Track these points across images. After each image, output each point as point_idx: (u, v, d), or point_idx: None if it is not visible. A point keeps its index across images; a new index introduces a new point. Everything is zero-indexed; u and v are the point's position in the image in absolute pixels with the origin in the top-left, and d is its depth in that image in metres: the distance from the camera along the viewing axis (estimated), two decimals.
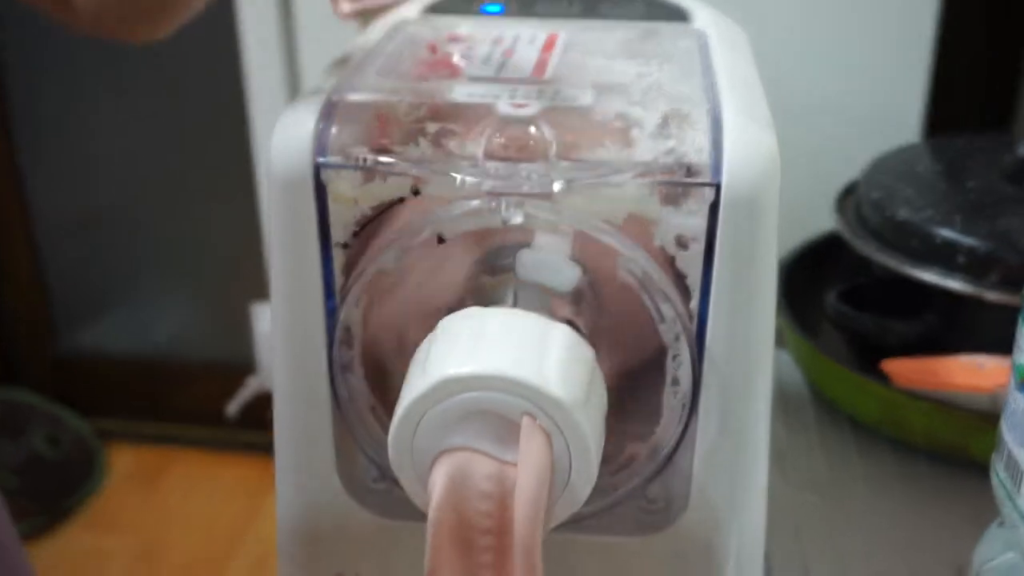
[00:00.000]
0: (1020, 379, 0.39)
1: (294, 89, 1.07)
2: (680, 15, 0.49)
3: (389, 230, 0.38)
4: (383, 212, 0.38)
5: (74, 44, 1.42)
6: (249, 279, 1.42)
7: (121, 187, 1.59)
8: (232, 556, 1.46)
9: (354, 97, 0.39)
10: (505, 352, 0.33)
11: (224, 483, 1.58)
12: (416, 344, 0.36)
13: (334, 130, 0.37)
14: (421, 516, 0.34)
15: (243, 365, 1.43)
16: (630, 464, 0.39)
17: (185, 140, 1.54)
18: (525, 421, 0.33)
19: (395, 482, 0.35)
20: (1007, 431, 0.40)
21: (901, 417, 0.58)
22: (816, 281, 0.68)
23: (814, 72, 0.85)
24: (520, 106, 0.38)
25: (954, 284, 0.59)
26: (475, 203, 0.36)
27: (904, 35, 0.83)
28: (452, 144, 0.37)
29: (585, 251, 0.37)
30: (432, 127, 0.37)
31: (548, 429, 0.33)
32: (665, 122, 0.37)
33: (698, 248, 0.37)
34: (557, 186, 0.36)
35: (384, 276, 0.38)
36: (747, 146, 0.36)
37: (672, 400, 0.38)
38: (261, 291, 1.32)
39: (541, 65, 0.42)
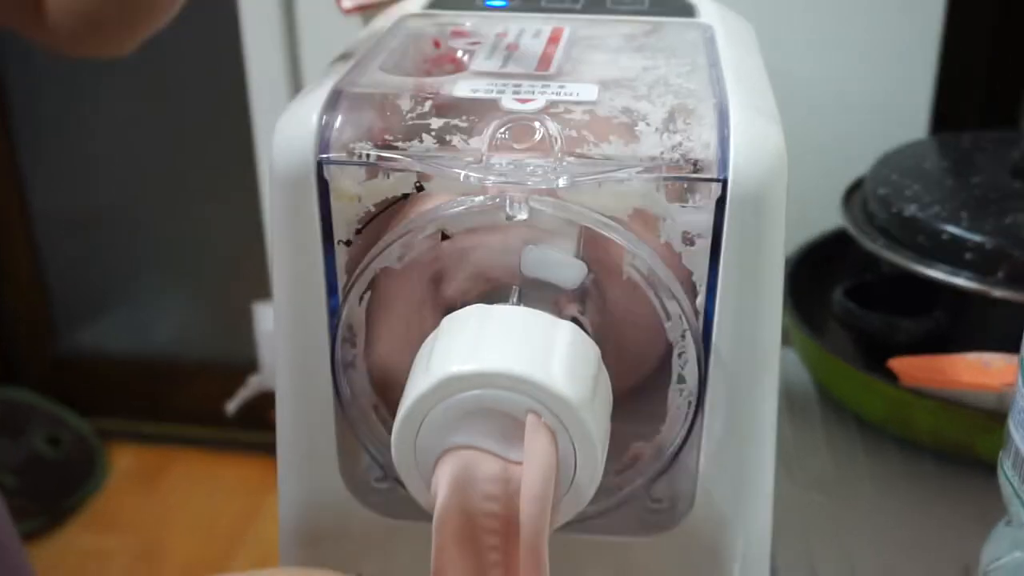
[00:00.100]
0: None
1: (296, 86, 1.07)
2: (686, 9, 0.49)
3: (392, 227, 0.37)
4: (386, 209, 0.37)
5: None
6: (250, 278, 1.41)
7: (121, 186, 1.59)
8: (233, 556, 1.46)
9: (357, 93, 0.39)
10: (509, 349, 0.33)
11: (225, 483, 1.58)
12: (419, 342, 0.36)
13: (337, 126, 0.37)
14: (425, 516, 0.34)
15: (244, 365, 1.42)
16: (635, 463, 0.39)
17: (186, 138, 1.53)
18: (530, 419, 0.32)
19: (398, 481, 0.35)
20: (1014, 429, 0.40)
21: (908, 416, 0.58)
22: (822, 278, 0.68)
23: (821, 67, 0.84)
24: (525, 101, 0.37)
25: (961, 281, 0.59)
26: (479, 199, 0.36)
27: (911, 30, 0.83)
28: (456, 140, 0.37)
29: (590, 247, 0.37)
30: (436, 123, 0.37)
31: (553, 427, 0.32)
32: (671, 117, 0.37)
33: (704, 244, 0.36)
34: (562, 182, 0.36)
35: (387, 273, 0.38)
36: (754, 141, 0.36)
37: (678, 398, 0.38)
38: (262, 290, 1.32)
39: (546, 59, 0.42)
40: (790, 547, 0.53)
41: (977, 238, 0.58)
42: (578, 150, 0.36)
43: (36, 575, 0.61)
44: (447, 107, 0.38)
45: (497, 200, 0.36)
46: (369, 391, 0.39)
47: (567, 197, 0.36)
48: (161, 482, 1.60)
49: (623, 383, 0.38)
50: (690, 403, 0.38)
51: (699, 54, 0.43)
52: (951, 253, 0.59)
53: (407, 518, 0.40)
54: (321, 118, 0.37)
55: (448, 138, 0.37)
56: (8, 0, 0.51)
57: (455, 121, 0.37)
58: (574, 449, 0.33)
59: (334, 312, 0.38)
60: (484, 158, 0.36)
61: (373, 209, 0.37)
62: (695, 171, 0.36)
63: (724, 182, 0.35)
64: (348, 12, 0.52)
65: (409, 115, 0.37)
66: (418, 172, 0.36)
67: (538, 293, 0.37)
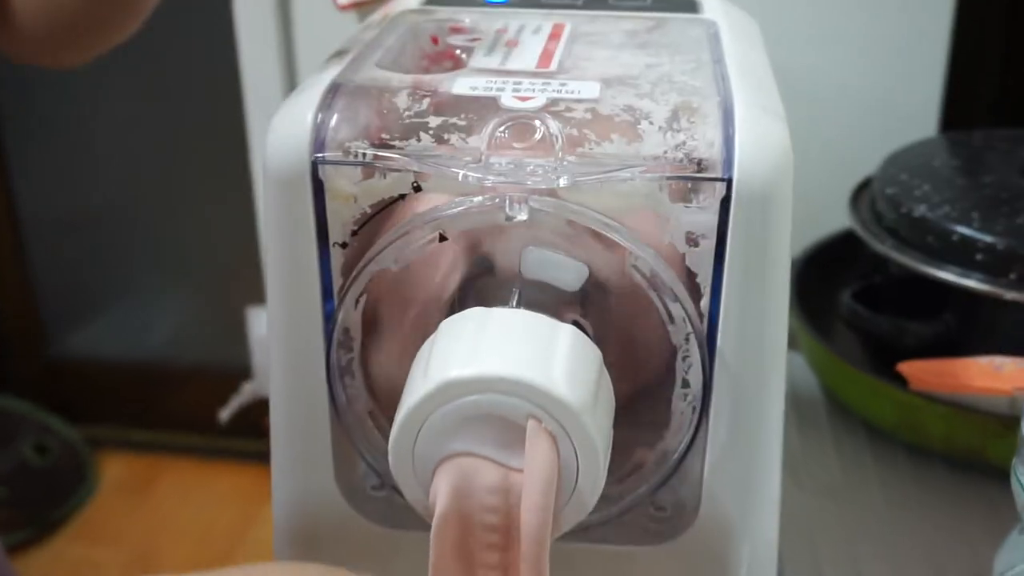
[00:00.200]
0: None
1: (291, 85, 1.07)
2: (689, 5, 0.49)
3: (389, 229, 0.37)
4: (383, 210, 0.37)
5: None
6: (245, 282, 1.40)
7: (112, 187, 1.58)
8: (226, 567, 1.45)
9: (353, 91, 0.38)
10: (509, 353, 0.32)
11: (218, 492, 1.57)
12: (417, 346, 0.35)
13: (332, 125, 0.37)
14: (423, 525, 0.33)
15: (238, 371, 1.42)
16: (638, 470, 0.39)
17: (179, 139, 1.53)
18: (531, 425, 0.32)
19: (396, 490, 0.35)
20: None
21: (917, 421, 0.58)
22: (830, 280, 0.67)
23: (827, 64, 0.84)
24: (525, 99, 0.37)
25: (972, 283, 0.58)
26: (478, 200, 0.36)
27: (920, 25, 0.83)
28: (455, 139, 0.36)
29: (592, 249, 0.36)
30: (434, 121, 0.36)
31: (554, 433, 0.32)
32: (675, 115, 0.36)
33: (709, 245, 0.36)
34: (563, 182, 0.35)
35: (384, 276, 0.37)
36: (759, 140, 0.35)
37: (681, 403, 0.37)
38: (257, 295, 1.31)
39: (546, 56, 0.41)
40: (797, 556, 0.52)
41: (988, 239, 0.58)
42: (579, 149, 0.36)
43: None
44: (445, 105, 0.37)
45: (496, 200, 0.35)
46: (365, 396, 0.39)
47: (568, 197, 0.35)
48: (152, 491, 1.59)
49: (626, 388, 0.37)
50: (694, 408, 0.37)
51: (703, 51, 0.42)
52: (962, 254, 0.59)
53: (404, 527, 0.39)
54: (316, 116, 0.37)
55: (446, 137, 0.36)
56: None
57: (453, 119, 0.37)
58: (576, 456, 0.32)
59: (329, 316, 0.38)
60: (483, 157, 0.36)
61: (369, 210, 0.37)
62: (699, 170, 0.35)
63: (729, 182, 0.35)
64: (344, 8, 0.52)
65: (406, 113, 0.37)
66: (415, 172, 0.36)
67: (538, 295, 0.36)
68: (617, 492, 0.38)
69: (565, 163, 0.35)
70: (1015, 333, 0.57)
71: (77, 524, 1.53)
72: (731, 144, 0.35)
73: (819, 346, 0.62)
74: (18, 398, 1.62)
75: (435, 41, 0.44)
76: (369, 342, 0.38)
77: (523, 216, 0.35)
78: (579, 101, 0.37)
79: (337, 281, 0.38)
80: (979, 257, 0.58)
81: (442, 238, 0.36)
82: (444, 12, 0.47)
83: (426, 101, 0.37)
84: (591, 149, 0.36)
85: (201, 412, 1.51)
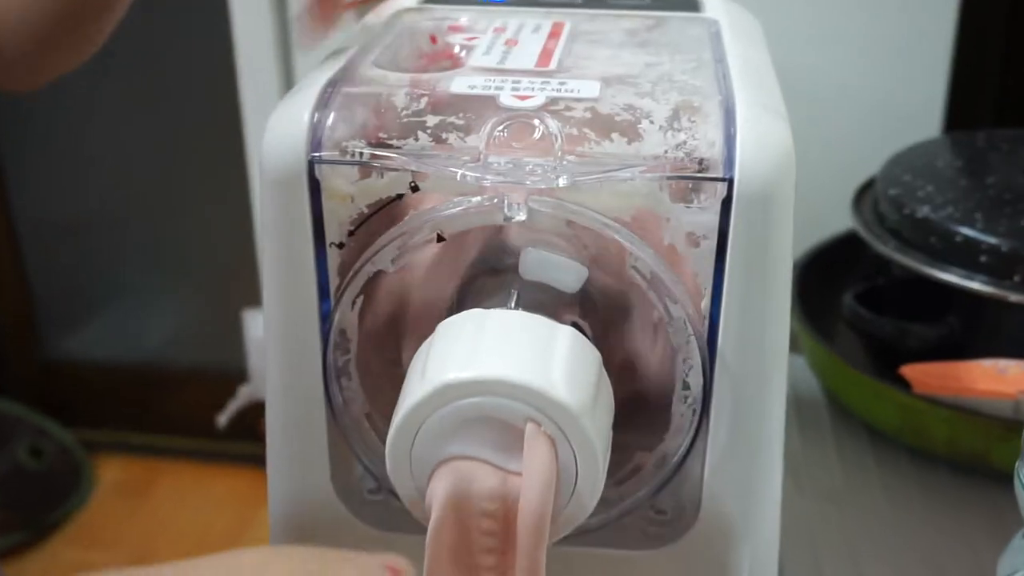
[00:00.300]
0: None
1: (288, 84, 1.07)
2: (691, 3, 0.48)
3: (386, 229, 0.37)
4: (380, 210, 0.37)
5: None
6: (242, 284, 1.40)
7: (109, 188, 1.58)
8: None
9: (350, 90, 0.38)
10: (508, 355, 0.32)
11: (215, 495, 1.57)
12: (414, 348, 0.35)
13: (329, 124, 0.36)
14: (420, 529, 0.33)
15: (235, 373, 1.42)
16: (637, 473, 0.38)
17: (176, 140, 1.52)
18: (529, 428, 0.32)
19: (392, 493, 0.34)
20: None
21: (920, 424, 0.57)
22: (832, 282, 0.67)
23: (830, 64, 0.84)
24: (524, 98, 0.37)
25: (976, 284, 0.58)
26: (477, 200, 0.35)
27: (924, 25, 0.83)
28: (453, 138, 0.36)
29: (592, 249, 0.36)
30: (432, 120, 0.36)
31: (553, 436, 0.32)
32: (675, 115, 0.36)
33: (709, 246, 0.36)
34: (562, 181, 0.35)
35: (381, 277, 0.37)
36: (761, 140, 0.35)
37: (682, 406, 0.37)
38: (254, 297, 1.31)
39: (546, 55, 0.41)
40: (799, 560, 0.52)
41: (992, 240, 0.58)
42: (579, 149, 0.35)
43: None
44: (443, 104, 0.37)
45: (495, 200, 0.35)
46: (362, 399, 0.39)
47: (567, 197, 0.35)
48: (149, 495, 1.59)
49: (625, 390, 0.37)
50: (695, 411, 0.37)
51: (704, 50, 0.42)
52: (965, 256, 0.58)
53: (401, 530, 0.39)
54: (313, 116, 0.37)
55: (444, 136, 0.36)
56: None
57: (451, 118, 0.36)
58: (575, 458, 0.32)
59: (326, 317, 0.38)
60: (482, 157, 0.35)
61: (366, 210, 0.37)
62: (700, 170, 0.35)
63: (730, 182, 0.35)
64: (341, 7, 0.52)
65: (404, 112, 0.37)
66: (413, 171, 0.36)
67: (537, 297, 0.36)
68: (616, 495, 0.38)
69: (564, 163, 0.35)
70: (1019, 335, 0.57)
71: (73, 527, 1.52)
72: (732, 144, 0.35)
73: (821, 348, 0.62)
74: (13, 401, 1.62)
75: (433, 40, 0.44)
76: (366, 343, 0.38)
77: (522, 216, 0.35)
78: (579, 100, 0.37)
79: (334, 282, 0.37)
80: (983, 259, 0.58)
81: (440, 238, 0.36)
82: (442, 11, 0.47)
83: (424, 100, 0.37)
84: (591, 148, 0.35)
85: (198, 415, 1.51)
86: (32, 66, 0.51)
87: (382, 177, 0.36)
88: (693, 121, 0.36)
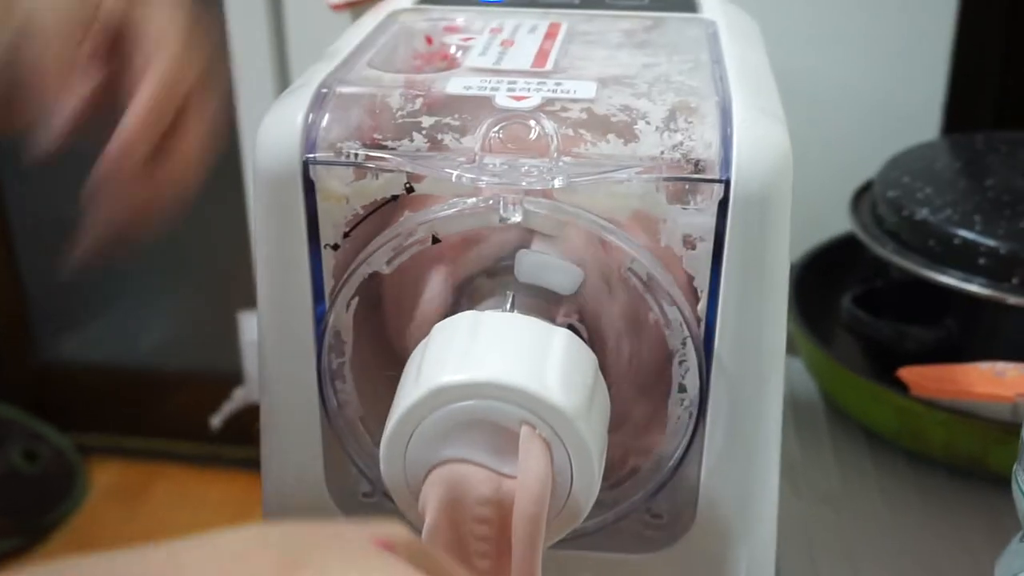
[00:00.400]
0: None
1: (283, 85, 1.06)
2: (688, 4, 0.48)
3: (382, 230, 0.36)
4: (375, 211, 0.37)
5: None
6: (237, 287, 1.39)
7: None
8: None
9: (345, 90, 0.38)
10: (503, 358, 0.32)
11: (210, 499, 1.56)
12: (409, 350, 0.35)
13: (324, 125, 0.36)
14: (414, 532, 0.32)
15: (231, 376, 1.41)
16: (633, 477, 0.38)
17: None
18: (524, 431, 0.31)
19: (387, 496, 0.34)
20: None
21: (918, 427, 0.57)
22: (830, 285, 0.67)
23: (828, 64, 0.83)
24: (520, 99, 0.37)
25: (974, 287, 0.58)
26: (472, 201, 0.35)
27: (922, 26, 0.82)
28: (448, 139, 0.36)
29: (587, 251, 0.36)
30: (427, 121, 0.36)
31: (548, 439, 0.31)
32: (672, 115, 0.36)
33: (706, 248, 0.35)
34: (558, 182, 0.35)
35: (376, 279, 0.37)
36: (758, 141, 0.35)
37: (678, 408, 0.37)
38: (250, 299, 1.30)
39: (542, 56, 0.41)
40: (796, 564, 0.52)
41: (991, 243, 0.58)
42: (575, 149, 0.35)
43: None
44: (439, 105, 0.37)
45: (491, 202, 0.35)
46: (356, 401, 0.38)
47: (563, 198, 0.35)
48: (144, 499, 1.58)
49: (621, 392, 0.37)
50: (691, 413, 0.37)
51: (701, 51, 0.42)
52: (963, 258, 0.58)
53: None
54: (307, 116, 0.36)
55: (440, 137, 0.36)
56: None
57: (447, 119, 0.36)
58: (570, 462, 0.32)
59: (321, 319, 0.37)
60: (477, 158, 0.35)
61: (361, 211, 0.36)
62: (697, 171, 0.35)
63: (727, 183, 0.34)
64: (337, 8, 0.52)
65: (399, 113, 0.36)
66: (408, 173, 0.36)
67: (533, 299, 0.36)
68: (612, 498, 0.38)
69: (560, 164, 0.35)
70: (1017, 338, 0.57)
71: (68, 531, 1.52)
72: (729, 145, 0.35)
73: (819, 351, 0.62)
74: (7, 404, 1.61)
75: (429, 41, 0.44)
76: (361, 346, 0.38)
77: (517, 218, 0.35)
78: (575, 101, 0.36)
79: (329, 283, 0.37)
80: (981, 261, 0.58)
81: (435, 240, 0.36)
82: (438, 11, 0.47)
83: (419, 101, 0.37)
84: (587, 149, 0.35)
85: (193, 419, 1.50)
86: None
87: (377, 178, 0.36)
88: (690, 122, 0.35)
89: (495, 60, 0.40)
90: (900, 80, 0.83)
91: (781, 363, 0.38)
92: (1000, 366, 0.56)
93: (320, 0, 0.53)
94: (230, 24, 1.07)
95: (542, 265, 0.36)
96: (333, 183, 0.36)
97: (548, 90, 0.37)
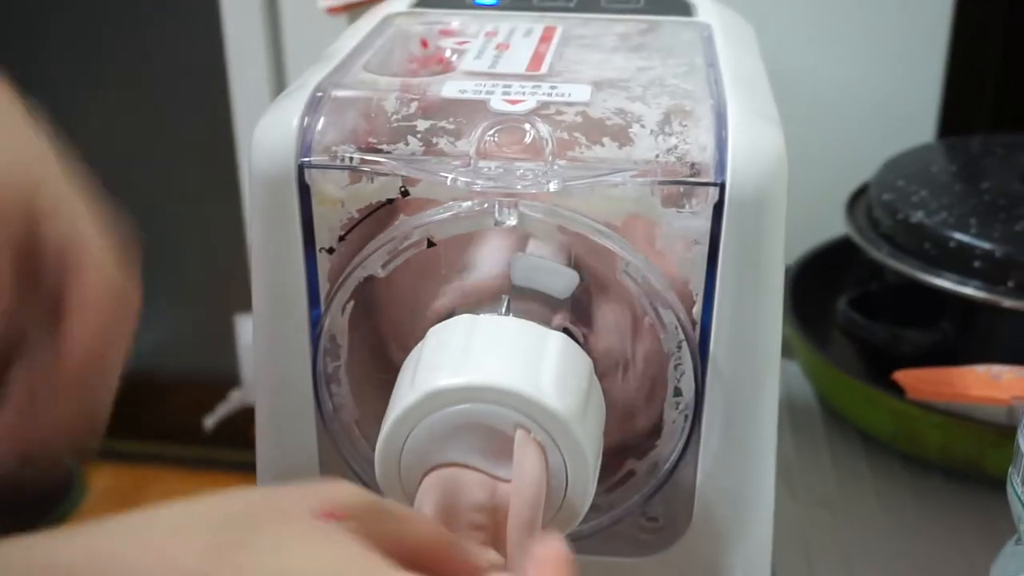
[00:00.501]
0: None
1: (279, 88, 1.06)
2: (683, 8, 0.48)
3: (377, 234, 0.36)
4: (370, 215, 0.37)
5: (50, 41, 1.40)
6: (233, 289, 1.39)
7: (100, 193, 1.57)
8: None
9: (340, 94, 0.38)
10: (498, 362, 0.32)
11: None
12: (405, 354, 0.35)
13: (319, 128, 0.36)
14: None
15: (227, 379, 1.41)
16: (629, 480, 0.38)
17: (166, 142, 1.51)
18: (519, 434, 0.31)
19: None
20: None
21: (914, 430, 0.57)
22: (825, 288, 0.67)
23: (823, 67, 0.84)
24: (515, 102, 0.37)
25: (969, 290, 0.58)
26: (467, 204, 0.35)
27: (918, 29, 0.82)
28: (443, 142, 0.36)
29: (583, 255, 0.36)
30: (422, 125, 0.36)
31: (543, 443, 0.31)
32: (667, 119, 0.36)
33: (701, 251, 0.35)
34: (553, 186, 0.35)
35: (371, 282, 0.37)
36: (753, 144, 0.35)
37: (673, 412, 0.37)
38: (246, 302, 1.30)
39: (537, 59, 0.41)
40: (792, 567, 0.52)
41: (986, 246, 0.58)
42: (570, 153, 0.35)
43: None
44: (434, 108, 0.37)
45: (486, 205, 0.35)
46: (352, 405, 0.38)
47: (558, 202, 0.35)
48: (140, 502, 1.57)
49: (617, 396, 0.36)
50: (686, 417, 0.37)
51: (696, 54, 0.42)
52: (959, 261, 0.58)
53: None
54: (302, 120, 0.36)
55: (435, 141, 0.36)
56: None
57: (442, 123, 0.36)
58: (565, 465, 0.32)
59: (316, 323, 0.37)
60: (472, 161, 0.35)
61: (356, 215, 0.36)
62: (692, 175, 0.35)
63: (722, 186, 0.34)
64: (332, 11, 0.52)
65: (394, 117, 0.36)
66: (403, 176, 0.36)
67: (528, 302, 0.36)
68: (607, 502, 0.38)
69: (555, 167, 0.35)
70: (1013, 341, 0.57)
71: None
72: (724, 148, 0.35)
73: (814, 354, 0.62)
74: None
75: (424, 44, 0.44)
76: (356, 349, 0.38)
77: (513, 221, 0.35)
78: (570, 104, 0.36)
79: (324, 287, 0.37)
80: (977, 264, 0.58)
81: (430, 243, 0.36)
82: (433, 15, 0.47)
83: (414, 104, 0.37)
84: (582, 153, 0.35)
85: (189, 422, 1.50)
86: None
87: (372, 182, 0.36)
88: (685, 125, 0.35)
89: (490, 64, 0.40)
90: (896, 83, 0.83)
91: (777, 366, 0.38)
92: (996, 369, 0.56)
93: (315, 4, 0.53)
94: (226, 27, 1.07)
95: (537, 269, 0.36)
96: (328, 187, 0.36)
97: (543, 94, 0.37)
